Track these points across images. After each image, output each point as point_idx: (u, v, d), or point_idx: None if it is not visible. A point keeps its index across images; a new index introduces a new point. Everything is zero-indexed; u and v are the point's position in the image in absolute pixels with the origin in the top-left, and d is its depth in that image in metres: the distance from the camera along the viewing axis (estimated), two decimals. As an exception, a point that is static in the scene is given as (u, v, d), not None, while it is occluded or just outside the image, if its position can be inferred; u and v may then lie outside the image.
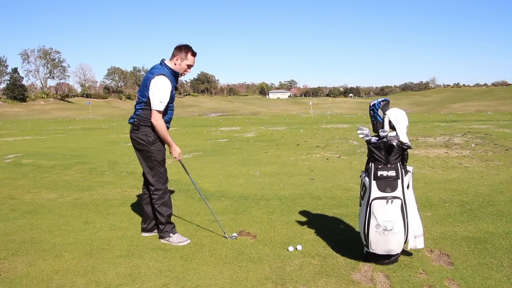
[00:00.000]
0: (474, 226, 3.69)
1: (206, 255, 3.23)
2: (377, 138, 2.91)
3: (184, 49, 3.38)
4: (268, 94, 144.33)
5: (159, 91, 3.26)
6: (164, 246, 3.44)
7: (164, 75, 3.29)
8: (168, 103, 3.41)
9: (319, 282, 2.73)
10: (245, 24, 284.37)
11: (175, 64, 3.40)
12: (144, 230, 3.76)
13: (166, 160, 3.57)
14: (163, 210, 3.49)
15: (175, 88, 3.49)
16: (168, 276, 2.87)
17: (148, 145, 3.40)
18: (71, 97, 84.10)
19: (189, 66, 3.45)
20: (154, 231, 3.76)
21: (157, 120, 3.31)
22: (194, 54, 3.43)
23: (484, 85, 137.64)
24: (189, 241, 3.49)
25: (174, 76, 3.42)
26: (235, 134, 14.39)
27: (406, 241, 2.96)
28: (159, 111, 3.30)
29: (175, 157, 3.51)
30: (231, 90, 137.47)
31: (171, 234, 3.51)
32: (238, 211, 4.45)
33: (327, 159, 7.85)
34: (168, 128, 3.51)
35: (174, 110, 3.63)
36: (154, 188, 3.48)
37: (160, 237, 3.57)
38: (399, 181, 2.86)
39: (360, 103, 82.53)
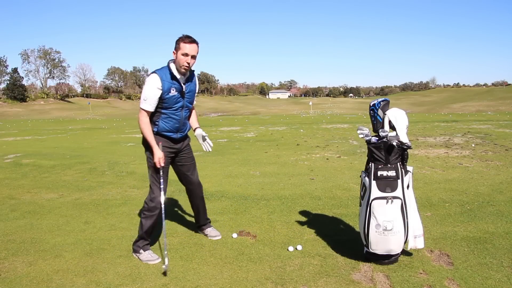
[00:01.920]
0: (474, 226, 3.69)
1: (206, 255, 3.23)
2: (377, 138, 2.91)
3: (177, 40, 3.07)
4: (268, 94, 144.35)
5: (144, 89, 3.09)
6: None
7: (155, 72, 3.08)
8: (166, 107, 3.13)
9: (319, 282, 2.73)
10: (245, 24, 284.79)
11: (174, 62, 3.12)
12: (199, 228, 3.73)
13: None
14: (146, 224, 3.21)
15: (179, 91, 3.13)
16: (168, 276, 2.87)
17: (145, 149, 3.26)
18: (71, 97, 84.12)
19: (185, 55, 3.04)
20: (207, 226, 3.72)
21: (140, 119, 3.12)
22: (188, 41, 3.03)
23: (484, 85, 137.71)
24: (159, 260, 3.16)
25: (175, 76, 3.09)
26: (235, 134, 14.39)
27: (406, 241, 2.96)
28: (142, 110, 3.09)
29: (155, 162, 3.13)
30: (231, 90, 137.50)
31: (141, 251, 3.22)
32: (238, 211, 4.45)
33: (327, 159, 7.85)
34: (174, 138, 3.27)
35: (181, 118, 3.25)
36: (148, 197, 3.25)
37: (132, 250, 3.31)
38: (399, 181, 2.86)
39: (360, 103, 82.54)
